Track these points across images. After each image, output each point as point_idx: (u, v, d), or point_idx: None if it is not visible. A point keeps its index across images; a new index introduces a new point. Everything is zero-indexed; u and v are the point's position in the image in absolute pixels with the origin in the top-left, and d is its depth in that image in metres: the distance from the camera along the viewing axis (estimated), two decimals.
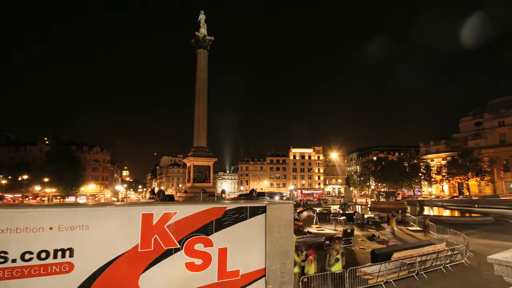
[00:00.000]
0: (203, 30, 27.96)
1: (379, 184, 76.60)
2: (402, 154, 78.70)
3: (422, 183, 71.00)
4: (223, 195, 32.98)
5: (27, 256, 5.56)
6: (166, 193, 48.24)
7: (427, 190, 75.29)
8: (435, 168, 69.56)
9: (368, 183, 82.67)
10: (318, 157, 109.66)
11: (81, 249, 6.00)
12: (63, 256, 5.83)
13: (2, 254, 5.41)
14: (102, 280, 6.05)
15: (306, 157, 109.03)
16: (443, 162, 69.43)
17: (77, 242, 5.99)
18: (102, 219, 6.38)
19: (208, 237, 7.26)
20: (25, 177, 66.96)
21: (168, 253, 6.75)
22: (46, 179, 66.50)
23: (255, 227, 7.94)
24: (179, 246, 6.90)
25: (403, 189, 72.03)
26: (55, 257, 5.76)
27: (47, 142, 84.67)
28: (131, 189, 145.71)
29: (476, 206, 41.33)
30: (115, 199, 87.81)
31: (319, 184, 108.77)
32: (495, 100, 71.95)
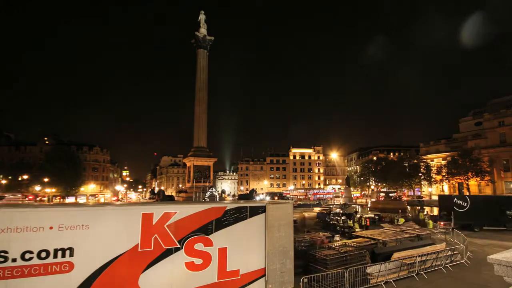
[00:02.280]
0: (203, 30, 27.98)
1: (379, 184, 76.53)
2: (402, 154, 78.61)
3: (422, 183, 70.91)
4: (223, 195, 33.00)
5: (27, 256, 5.57)
6: (166, 193, 48.19)
7: (427, 190, 75.21)
8: (435, 168, 69.44)
9: (368, 183, 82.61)
10: (318, 157, 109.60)
11: (81, 248, 6.01)
12: (63, 255, 5.84)
13: (2, 254, 5.41)
14: (102, 280, 6.05)
15: (306, 157, 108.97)
16: (443, 162, 69.27)
17: (77, 242, 5.99)
18: (102, 218, 6.38)
19: (208, 236, 7.26)
20: (25, 177, 66.93)
21: (168, 253, 6.76)
22: (46, 179, 66.42)
23: (255, 227, 7.94)
24: (179, 246, 6.90)
25: (403, 189, 71.95)
26: (55, 256, 5.77)
27: (47, 142, 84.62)
28: (131, 189, 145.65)
29: None
30: (115, 199, 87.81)
31: (319, 184, 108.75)
32: (495, 100, 71.83)
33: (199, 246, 7.10)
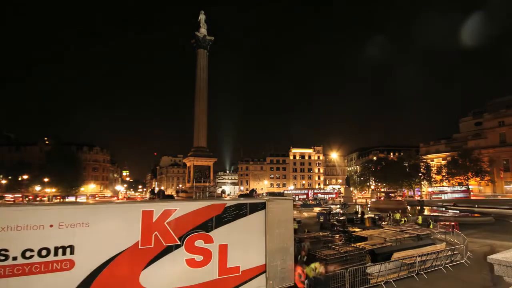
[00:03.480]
0: (203, 30, 27.96)
1: (379, 184, 76.55)
2: (402, 154, 78.61)
3: (422, 183, 70.92)
4: (223, 195, 32.99)
5: (28, 254, 5.58)
6: (166, 193, 48.18)
7: (427, 190, 75.23)
8: (435, 168, 69.48)
9: (368, 183, 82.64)
10: (318, 157, 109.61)
11: (82, 246, 6.02)
12: (63, 253, 5.85)
13: (3, 252, 5.42)
14: (103, 277, 6.06)
15: (306, 157, 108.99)
16: (443, 162, 69.36)
17: (78, 240, 6.00)
18: (102, 216, 6.40)
19: (209, 233, 7.28)
20: (25, 177, 66.94)
21: (168, 250, 6.77)
22: (46, 179, 66.45)
23: (255, 224, 7.96)
24: (179, 243, 6.92)
25: (403, 189, 71.98)
26: (55, 254, 5.78)
27: (47, 142, 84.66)
28: (131, 189, 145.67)
29: (476, 206, 41.33)
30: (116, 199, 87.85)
31: (319, 184, 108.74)
32: (495, 100, 71.87)
33: (199, 243, 7.12)
